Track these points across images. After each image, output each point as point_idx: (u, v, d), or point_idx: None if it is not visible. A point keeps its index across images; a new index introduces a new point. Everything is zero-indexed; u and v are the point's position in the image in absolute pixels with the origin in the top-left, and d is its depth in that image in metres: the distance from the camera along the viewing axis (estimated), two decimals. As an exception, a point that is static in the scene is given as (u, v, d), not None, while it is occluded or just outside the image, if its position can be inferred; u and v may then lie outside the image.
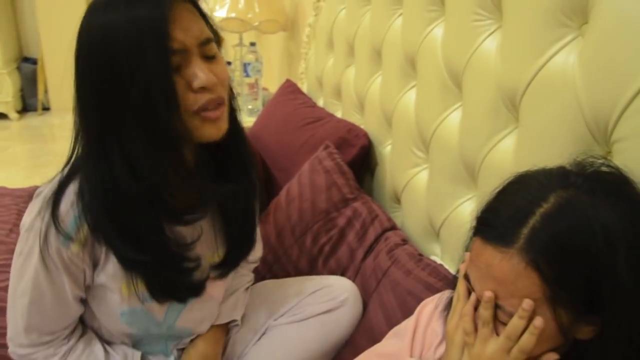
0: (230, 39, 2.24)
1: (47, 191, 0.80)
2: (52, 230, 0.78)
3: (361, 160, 1.42)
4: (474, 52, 0.97)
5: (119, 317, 0.88)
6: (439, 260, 1.07)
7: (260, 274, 1.22)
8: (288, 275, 1.23)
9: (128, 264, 0.81)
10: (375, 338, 0.91)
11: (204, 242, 0.90)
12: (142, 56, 0.70)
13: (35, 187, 1.70)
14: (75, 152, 0.80)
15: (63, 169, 0.82)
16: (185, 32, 0.74)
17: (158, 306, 0.89)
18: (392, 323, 0.90)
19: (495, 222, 0.59)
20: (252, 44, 2.29)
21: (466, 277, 0.64)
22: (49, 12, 3.72)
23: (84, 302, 0.89)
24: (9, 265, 0.86)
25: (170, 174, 0.78)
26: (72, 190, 0.78)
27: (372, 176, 1.47)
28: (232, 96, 0.86)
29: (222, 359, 1.04)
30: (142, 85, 0.71)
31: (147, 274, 0.83)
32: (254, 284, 1.14)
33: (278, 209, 1.32)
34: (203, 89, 0.76)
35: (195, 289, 0.89)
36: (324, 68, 1.77)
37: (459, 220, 1.04)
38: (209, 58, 0.77)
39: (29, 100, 4.01)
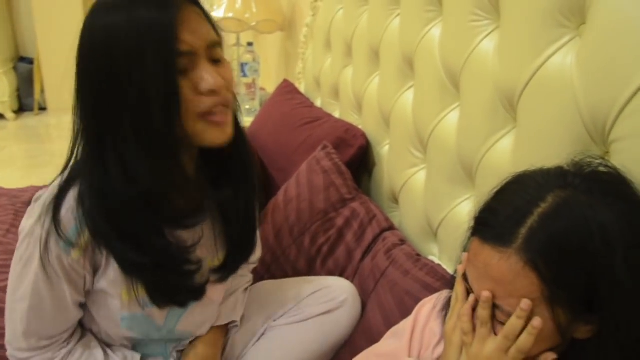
0: (227, 39, 2.23)
1: (46, 196, 0.79)
2: (53, 237, 0.77)
3: (359, 161, 1.42)
4: (472, 52, 0.97)
5: (119, 322, 0.88)
6: (436, 260, 1.07)
7: (259, 275, 1.22)
8: (286, 275, 1.23)
9: (129, 269, 0.81)
10: (373, 338, 0.91)
11: (204, 245, 0.89)
12: (147, 58, 0.70)
13: (32, 187, 1.71)
14: (75, 155, 0.79)
15: (62, 172, 0.81)
16: (193, 35, 0.73)
17: (158, 311, 0.88)
18: (390, 323, 0.90)
19: (493, 222, 0.60)
20: (250, 44, 2.29)
21: (464, 277, 0.64)
22: (46, 11, 3.71)
23: (83, 306, 0.88)
24: (7, 266, 0.86)
25: (167, 179, 0.78)
26: (72, 195, 0.78)
27: (370, 176, 1.47)
28: (235, 99, 0.86)
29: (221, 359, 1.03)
30: (146, 88, 0.70)
31: (147, 278, 0.82)
32: (252, 284, 1.13)
33: (276, 209, 1.32)
34: (210, 92, 0.75)
35: (196, 293, 0.88)
36: (321, 68, 1.77)
37: (457, 220, 1.04)
38: (216, 61, 0.77)
39: (26, 100, 4.00)
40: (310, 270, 1.22)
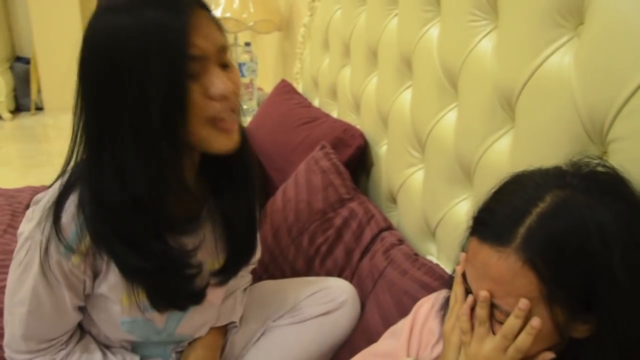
0: (225, 39, 2.23)
1: (46, 199, 0.79)
2: (53, 242, 0.77)
3: (357, 161, 1.42)
4: (470, 52, 0.97)
5: (119, 325, 0.88)
6: (434, 260, 1.08)
7: (257, 275, 1.22)
8: (284, 275, 1.23)
9: (129, 274, 0.80)
10: (372, 338, 0.91)
11: (204, 248, 0.89)
12: (157, 61, 0.68)
13: (29, 188, 1.71)
14: (74, 156, 0.78)
15: (62, 174, 0.80)
16: (205, 39, 0.72)
17: (159, 315, 0.88)
18: (388, 323, 0.90)
19: (491, 222, 0.60)
20: (247, 44, 2.28)
21: (464, 277, 0.64)
22: (42, 11, 3.70)
23: (82, 309, 0.88)
24: (5, 266, 0.86)
25: (165, 184, 0.76)
26: (72, 201, 0.77)
27: (368, 176, 1.47)
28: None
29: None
30: (154, 92, 0.69)
31: (148, 283, 0.81)
32: (251, 284, 1.13)
33: (274, 209, 1.32)
34: (221, 97, 0.74)
35: (196, 297, 0.87)
36: (319, 68, 1.76)
37: (455, 220, 1.04)
38: (225, 66, 0.76)
39: (22, 100, 3.99)
40: (308, 270, 1.22)
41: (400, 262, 1.06)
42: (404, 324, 0.82)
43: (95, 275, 0.82)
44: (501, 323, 0.59)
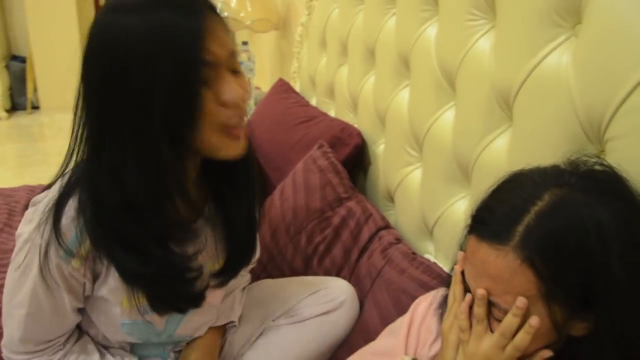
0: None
1: (46, 201, 0.77)
2: (53, 246, 0.76)
3: (354, 159, 1.42)
4: (468, 51, 0.97)
5: (119, 327, 0.87)
6: (432, 259, 1.08)
7: (255, 274, 1.22)
8: (283, 274, 1.23)
9: (129, 278, 0.79)
10: (370, 337, 0.91)
11: (205, 251, 0.88)
12: (169, 66, 0.66)
13: (26, 187, 1.71)
14: (74, 157, 0.76)
15: (61, 174, 0.79)
16: (219, 44, 0.70)
17: (159, 317, 0.87)
18: (386, 322, 0.90)
19: (490, 220, 0.60)
20: (245, 43, 2.28)
21: (462, 276, 0.64)
22: (38, 9, 3.69)
23: (81, 311, 0.87)
24: (2, 265, 0.85)
25: (164, 192, 0.75)
26: (72, 204, 0.76)
27: (366, 175, 1.47)
28: None
29: (219, 359, 1.03)
30: (164, 97, 0.67)
31: (148, 287, 0.81)
32: (249, 283, 1.13)
33: (272, 208, 1.32)
34: (234, 104, 0.73)
35: (196, 300, 0.86)
36: (316, 67, 1.76)
37: (453, 218, 1.04)
38: (235, 72, 0.75)
39: (18, 99, 3.97)
40: (306, 269, 1.22)
41: (398, 261, 1.06)
42: (401, 322, 0.82)
43: (95, 278, 0.82)
44: (499, 321, 0.59)
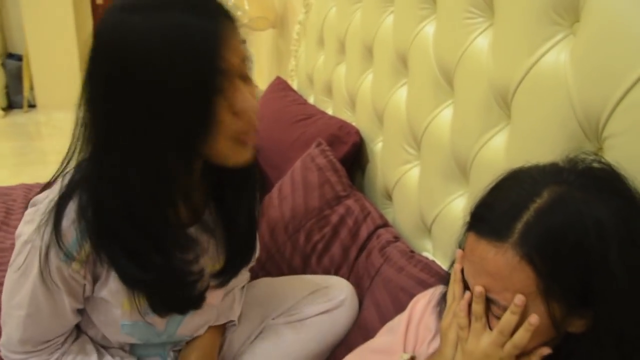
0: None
1: (46, 202, 0.76)
2: (53, 249, 0.75)
3: (352, 158, 1.42)
4: (466, 49, 0.97)
5: (119, 328, 0.87)
6: (430, 257, 1.08)
7: (254, 272, 1.22)
8: (281, 273, 1.23)
9: (130, 282, 0.78)
10: (368, 335, 0.91)
11: (205, 252, 0.88)
12: (183, 71, 0.64)
13: (23, 185, 1.70)
14: (74, 156, 0.75)
15: (61, 174, 0.77)
16: (233, 52, 0.68)
17: (159, 318, 0.86)
18: (385, 320, 0.90)
19: (489, 217, 0.60)
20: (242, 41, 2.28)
21: (462, 274, 0.64)
22: (34, 7, 3.67)
23: (81, 311, 0.87)
24: (2, 264, 0.85)
25: (165, 197, 0.74)
26: (72, 207, 0.74)
27: (364, 173, 1.47)
28: None
29: (218, 358, 1.03)
30: (175, 103, 0.65)
31: (149, 291, 0.80)
32: (248, 282, 1.12)
33: (270, 206, 1.32)
34: (247, 113, 0.71)
35: (196, 302, 0.86)
36: (314, 65, 1.76)
37: (451, 216, 1.05)
38: (246, 79, 0.73)
39: (14, 97, 3.95)
40: (305, 267, 1.22)
41: (397, 259, 1.06)
42: (400, 320, 0.83)
43: (95, 280, 0.81)
44: (498, 318, 0.59)
